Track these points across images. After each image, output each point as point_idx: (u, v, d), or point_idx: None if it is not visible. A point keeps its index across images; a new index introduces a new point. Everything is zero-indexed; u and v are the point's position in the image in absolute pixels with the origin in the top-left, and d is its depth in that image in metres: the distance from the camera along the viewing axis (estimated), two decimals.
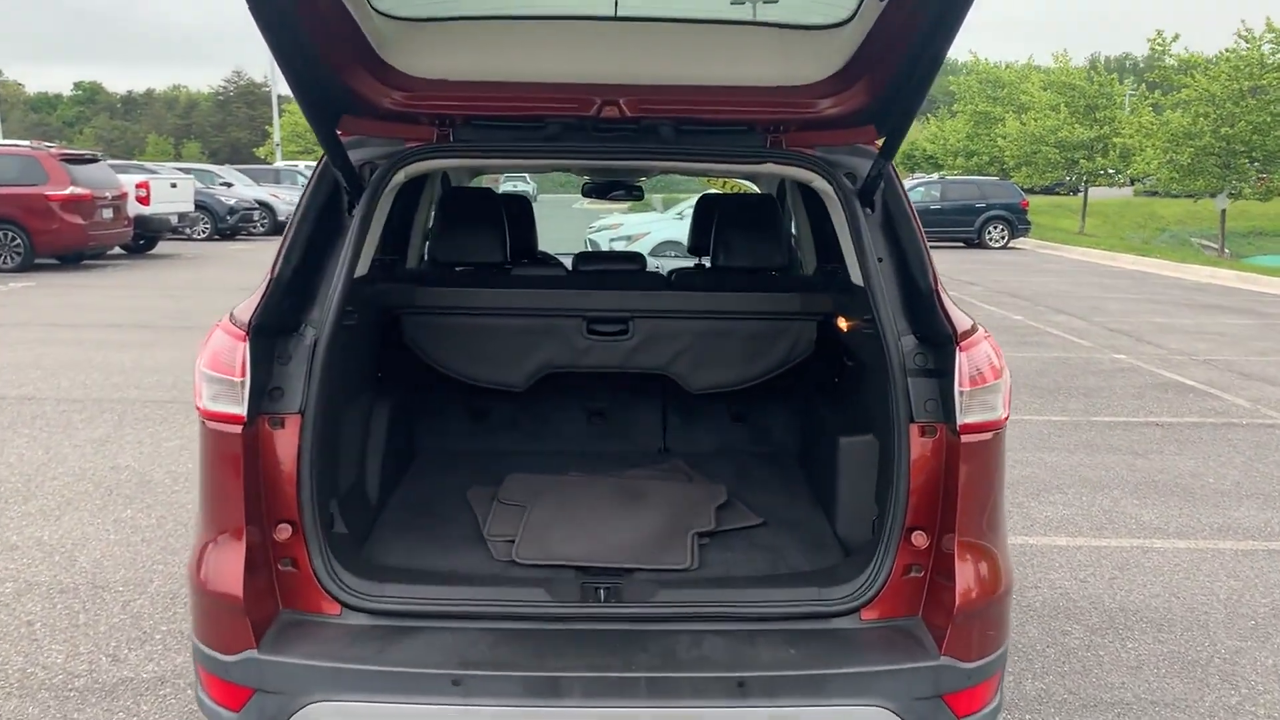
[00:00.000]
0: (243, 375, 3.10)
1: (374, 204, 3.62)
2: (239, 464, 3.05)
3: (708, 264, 6.27)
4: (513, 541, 3.81)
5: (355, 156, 3.77)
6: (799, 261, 5.61)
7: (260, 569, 3.10)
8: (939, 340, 3.31)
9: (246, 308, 3.28)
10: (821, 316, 4.62)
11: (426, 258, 4.78)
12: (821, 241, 6.00)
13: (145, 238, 26.72)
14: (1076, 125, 43.37)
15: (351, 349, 3.85)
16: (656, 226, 20.66)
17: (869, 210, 3.65)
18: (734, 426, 5.06)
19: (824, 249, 6.00)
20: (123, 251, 26.09)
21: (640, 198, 7.45)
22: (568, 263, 6.77)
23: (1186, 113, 33.61)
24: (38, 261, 22.13)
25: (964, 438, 3.16)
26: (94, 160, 24.33)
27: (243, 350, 3.08)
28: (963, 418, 3.18)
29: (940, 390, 3.25)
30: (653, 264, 8.09)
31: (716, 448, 5.06)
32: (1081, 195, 48.09)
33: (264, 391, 3.14)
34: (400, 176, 3.73)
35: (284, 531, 3.16)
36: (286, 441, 3.17)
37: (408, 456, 4.83)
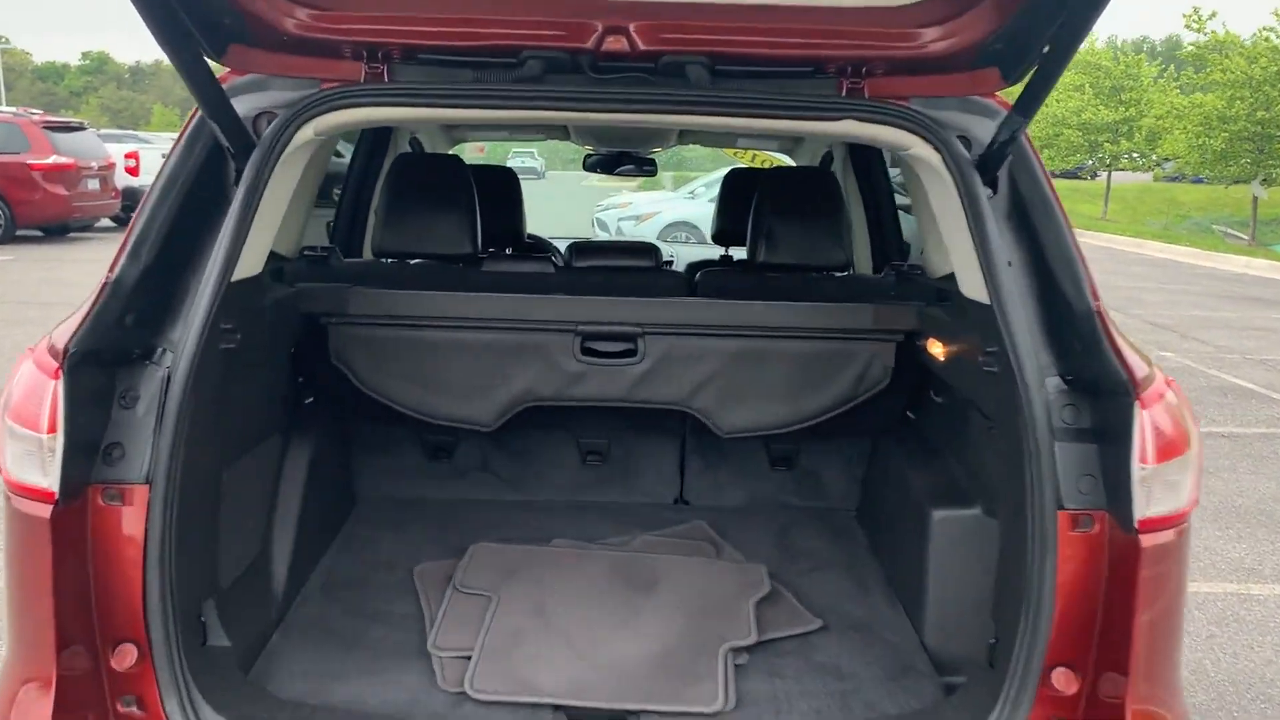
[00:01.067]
0: (51, 429, 2.21)
1: (266, 170, 2.49)
2: (47, 559, 2.19)
3: (736, 256, 5.09)
4: (468, 659, 2.66)
5: (245, 105, 2.66)
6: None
7: (83, 713, 2.23)
8: (1104, 387, 2.32)
9: (69, 327, 2.25)
10: (902, 336, 3.44)
11: (372, 248, 3.60)
12: (879, 232, 4.82)
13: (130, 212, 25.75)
14: (1101, 107, 42.09)
15: (242, 377, 2.70)
16: (666, 206, 19.41)
17: (990, 191, 2.51)
18: (773, 473, 3.89)
19: (881, 243, 4.82)
20: (111, 224, 25.15)
21: (653, 173, 6.23)
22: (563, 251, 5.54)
23: (1221, 95, 32.31)
24: (19, 233, 21.17)
25: (1144, 537, 2.24)
26: (80, 128, 23.32)
27: (53, 391, 2.19)
28: (1145, 509, 2.26)
29: (1103, 462, 2.33)
30: (666, 252, 6.91)
31: (750, 501, 3.89)
32: (1104, 180, 46.88)
33: (94, 450, 2.27)
34: (309, 132, 2.58)
35: (125, 655, 2.28)
36: (130, 523, 2.28)
37: (341, 510, 3.67)
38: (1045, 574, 2.30)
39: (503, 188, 4.70)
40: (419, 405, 3.48)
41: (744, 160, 7.08)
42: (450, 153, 5.65)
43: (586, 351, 3.42)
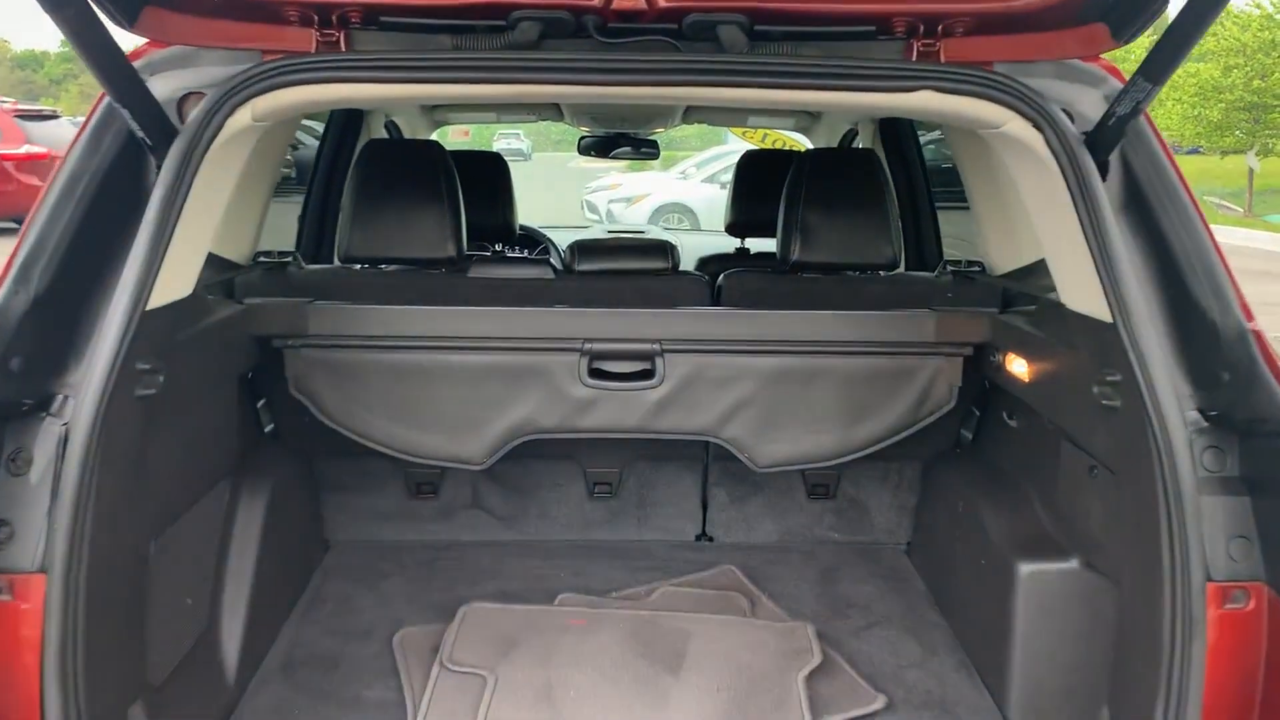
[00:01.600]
0: None
1: (190, 166, 1.97)
2: None
3: (753, 249, 4.56)
4: None
5: (166, 85, 2.14)
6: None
7: None
8: (1264, 427, 1.86)
9: None
10: (971, 349, 2.90)
11: (339, 253, 3.06)
12: (914, 224, 4.27)
13: None
14: None
15: (171, 426, 2.19)
16: (657, 188, 18.78)
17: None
18: (810, 503, 3.36)
19: (918, 236, 4.28)
20: None
21: (655, 155, 5.66)
22: (560, 245, 4.99)
23: (1216, 64, 31.83)
24: None
25: None
26: (54, 117, 22.59)
27: None
28: None
29: (1261, 521, 1.89)
30: (659, 233, 6.34)
31: (783, 536, 3.37)
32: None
33: None
34: (245, 116, 2.05)
35: None
36: (21, 623, 1.81)
37: (309, 560, 3.14)
38: (1191, 661, 1.85)
39: (491, 176, 4.15)
40: (395, 442, 2.93)
41: (754, 140, 6.51)
42: (431, 138, 5.07)
43: (595, 374, 2.88)
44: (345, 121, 4.27)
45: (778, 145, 6.06)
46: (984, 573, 2.66)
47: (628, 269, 3.08)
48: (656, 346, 2.85)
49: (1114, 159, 2.16)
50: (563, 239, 6.08)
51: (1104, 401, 2.06)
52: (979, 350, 2.88)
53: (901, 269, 3.27)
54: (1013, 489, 2.76)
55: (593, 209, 18.93)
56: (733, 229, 4.38)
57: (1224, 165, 40.64)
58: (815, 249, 3.05)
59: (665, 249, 3.10)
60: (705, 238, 6.33)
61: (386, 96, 2.21)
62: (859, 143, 4.78)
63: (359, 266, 3.08)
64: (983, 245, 3.32)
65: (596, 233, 6.16)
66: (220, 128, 2.04)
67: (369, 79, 2.10)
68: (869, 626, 2.88)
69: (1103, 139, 2.11)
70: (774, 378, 2.88)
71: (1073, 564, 2.42)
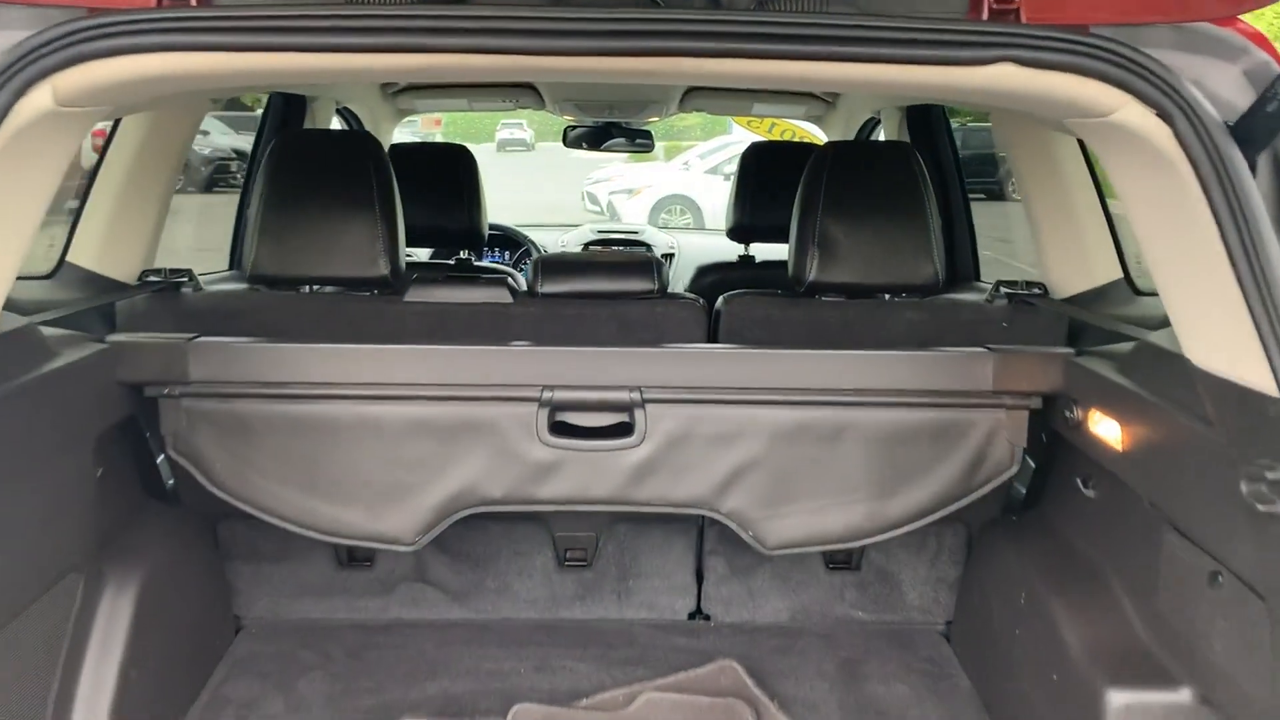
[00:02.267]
0: None
1: None
2: None
3: (759, 257, 3.94)
4: None
5: None
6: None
7: None
8: None
9: None
10: (1039, 400, 2.29)
11: (248, 270, 2.46)
12: (948, 235, 3.63)
13: None
14: None
15: None
16: (658, 179, 18.13)
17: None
18: (828, 575, 2.75)
19: (951, 250, 3.65)
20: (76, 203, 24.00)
21: (649, 147, 5.03)
22: (545, 246, 4.42)
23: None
24: None
25: None
26: None
27: None
28: None
29: None
30: (665, 243, 5.70)
31: (796, 615, 2.76)
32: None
33: None
34: (44, 97, 1.47)
35: None
36: None
37: (209, 651, 2.54)
38: None
39: (454, 172, 3.53)
40: (299, 516, 2.32)
41: (760, 131, 5.88)
42: (393, 129, 4.44)
43: (558, 429, 2.27)
44: (285, 109, 3.66)
45: (786, 137, 5.44)
46: (1056, 690, 2.05)
47: (603, 291, 2.47)
48: (637, 395, 2.24)
49: (1263, 161, 1.56)
50: (549, 239, 5.46)
51: (1259, 506, 1.46)
52: (1049, 401, 2.27)
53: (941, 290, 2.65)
54: (1091, 578, 2.15)
55: (594, 200, 18.33)
56: (736, 233, 3.76)
57: None
58: (838, 266, 2.44)
59: (650, 267, 2.48)
60: (708, 239, 5.67)
61: (254, 71, 1.60)
62: (880, 134, 4.16)
63: (267, 290, 2.48)
64: (1043, 261, 2.71)
65: (584, 234, 5.50)
66: (6, 112, 1.44)
67: (224, 45, 1.50)
68: None
69: (1253, 132, 1.50)
70: (787, 435, 2.26)
71: (1183, 696, 1.82)
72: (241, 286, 2.58)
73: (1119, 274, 2.57)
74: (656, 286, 2.46)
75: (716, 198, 16.15)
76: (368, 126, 4.39)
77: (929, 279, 2.47)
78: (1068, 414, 2.16)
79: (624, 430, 2.27)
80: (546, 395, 2.23)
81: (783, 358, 2.24)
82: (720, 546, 2.75)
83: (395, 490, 2.28)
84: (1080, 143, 2.63)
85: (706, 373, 2.25)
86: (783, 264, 3.85)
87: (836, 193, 2.48)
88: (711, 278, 3.71)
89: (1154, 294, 2.56)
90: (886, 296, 2.52)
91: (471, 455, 2.26)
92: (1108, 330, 2.36)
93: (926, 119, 3.72)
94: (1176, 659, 1.86)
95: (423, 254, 4.81)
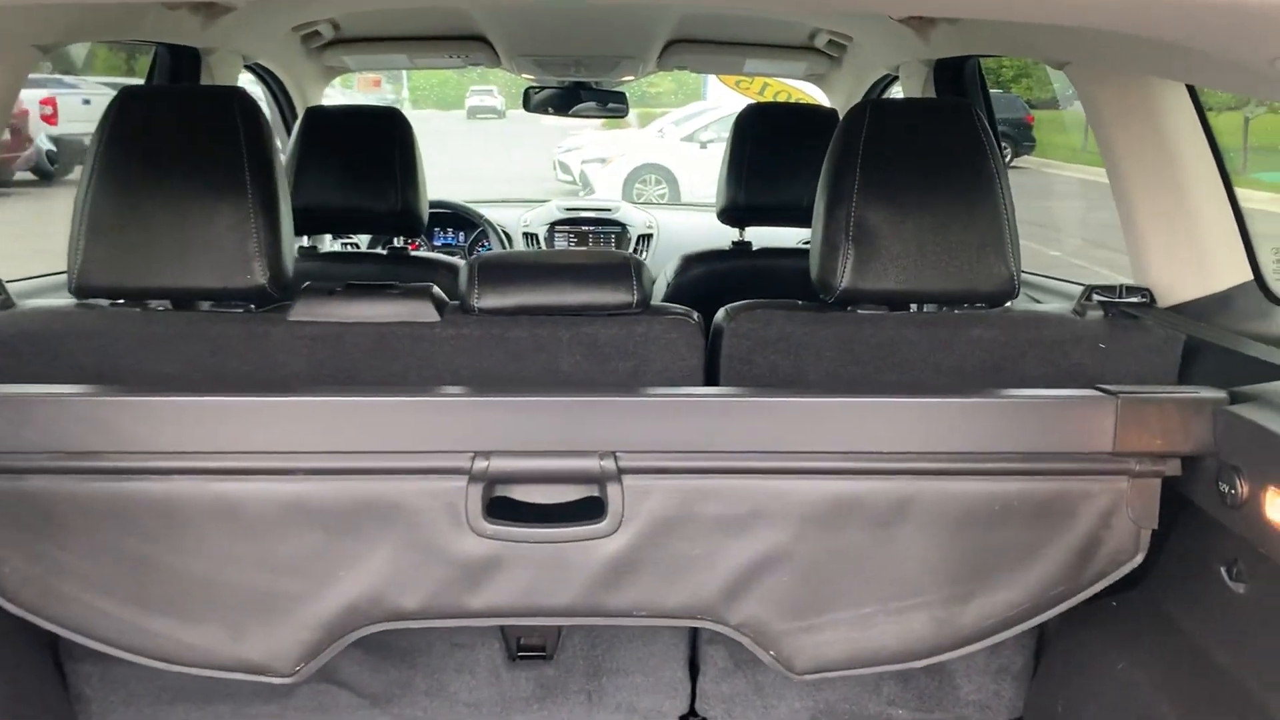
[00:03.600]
0: None
1: None
2: None
3: (758, 243, 3.28)
4: None
5: None
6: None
7: None
8: None
9: None
10: (1179, 461, 1.65)
11: (71, 283, 1.80)
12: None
13: (54, 163, 23.85)
14: None
15: None
16: (632, 147, 17.36)
17: None
18: (883, 684, 2.13)
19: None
20: (33, 177, 23.19)
21: (623, 112, 4.35)
22: (505, 227, 3.81)
23: None
24: None
25: None
26: None
27: None
28: None
29: None
30: (643, 221, 5.01)
31: (820, 715, 2.13)
32: (1079, 109, 45.40)
33: None
34: None
35: None
36: None
37: None
38: None
39: (385, 142, 2.84)
40: (133, 640, 1.66)
41: (751, 94, 5.19)
42: (239, 86, 3.71)
43: (498, 511, 1.61)
44: (174, 65, 2.96)
45: (790, 96, 4.77)
46: None
47: (565, 306, 1.81)
48: (610, 462, 1.59)
49: None
50: (509, 218, 4.77)
51: None
52: (1188, 464, 1.64)
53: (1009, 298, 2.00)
54: (1243, 706, 1.53)
55: (565, 170, 17.58)
56: (729, 215, 3.08)
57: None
58: (881, 268, 1.80)
59: (628, 272, 1.82)
60: (691, 217, 4.97)
61: None
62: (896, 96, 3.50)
63: (105, 303, 1.81)
64: (1142, 259, 2.08)
65: (550, 213, 4.80)
66: None
67: None
68: None
69: None
70: (823, 517, 1.62)
71: None
72: (67, 302, 1.90)
73: (1248, 275, 1.95)
74: (636, 299, 1.80)
75: (693, 168, 15.50)
76: (290, 89, 3.70)
77: (1004, 283, 1.83)
78: (1223, 485, 1.53)
79: (592, 511, 1.62)
80: (480, 464, 1.57)
81: (819, 408, 1.59)
82: (721, 634, 2.11)
83: (266, 603, 1.62)
84: (1195, 103, 2.00)
85: (710, 428, 1.59)
86: (790, 252, 3.20)
87: (878, 167, 1.82)
88: (700, 270, 3.04)
89: None
90: (946, 308, 1.87)
91: (374, 552, 1.60)
92: (1247, 356, 1.73)
93: (959, 77, 3.07)
94: None
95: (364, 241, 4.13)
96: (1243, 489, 1.49)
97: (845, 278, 1.82)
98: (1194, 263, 1.98)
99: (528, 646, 2.12)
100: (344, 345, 1.76)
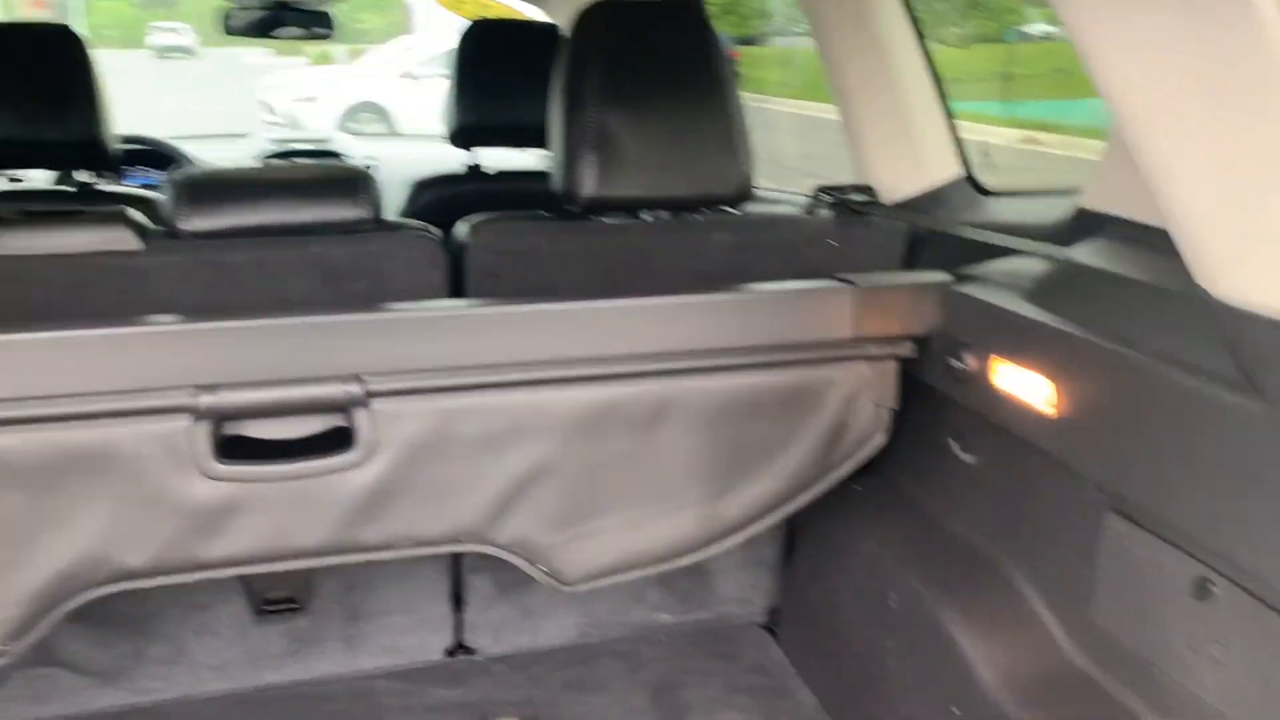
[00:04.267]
0: None
1: None
2: None
3: (487, 166, 3.17)
4: None
5: None
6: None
7: None
8: None
9: None
10: (911, 345, 1.72)
11: None
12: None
13: None
14: None
15: None
16: (344, 84, 16.50)
17: None
18: (647, 590, 2.13)
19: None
20: None
21: (329, 34, 4.06)
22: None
23: None
24: None
25: None
26: None
27: None
28: None
29: None
30: (350, 142, 4.74)
31: (588, 631, 2.12)
32: (782, 44, 47.67)
33: None
34: None
35: None
36: None
37: None
38: None
39: (52, 63, 2.50)
40: None
41: (468, 14, 5.00)
42: None
43: (231, 450, 1.47)
44: None
45: (497, 13, 4.62)
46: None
47: (289, 225, 1.65)
48: (355, 387, 1.48)
49: None
50: (212, 155, 4.38)
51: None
52: (922, 345, 1.72)
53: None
54: (991, 578, 1.65)
55: (271, 109, 16.43)
56: (460, 138, 2.96)
57: None
58: (625, 175, 1.76)
59: (357, 185, 1.69)
60: (413, 148, 4.76)
61: None
62: None
63: None
64: (864, 158, 2.16)
65: (259, 146, 4.44)
66: None
67: None
68: None
69: None
70: (586, 426, 1.58)
71: None
72: None
73: (960, 171, 2.07)
74: (370, 213, 1.68)
75: (408, 102, 14.96)
76: None
77: (740, 185, 1.84)
78: (953, 361, 1.61)
79: (339, 442, 1.50)
80: (206, 400, 1.41)
81: (572, 315, 1.53)
82: (484, 562, 2.05)
83: None
84: (909, 11, 2.08)
85: (461, 344, 1.50)
86: (526, 175, 3.13)
87: (614, 70, 1.78)
88: (435, 194, 2.91)
89: (1008, 194, 2.10)
90: (691, 214, 1.87)
91: (88, 509, 1.42)
92: (965, 241, 1.84)
93: None
94: (1129, 687, 1.39)
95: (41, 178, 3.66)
96: (971, 363, 1.58)
97: (591, 186, 1.77)
98: (911, 162, 2.08)
99: (275, 599, 1.97)
100: (29, 284, 1.53)
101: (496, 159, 3.17)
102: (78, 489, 1.41)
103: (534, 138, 3.16)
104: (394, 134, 13.49)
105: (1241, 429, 1.12)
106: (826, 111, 2.66)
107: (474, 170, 3.03)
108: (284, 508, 1.48)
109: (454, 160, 3.16)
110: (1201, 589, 1.27)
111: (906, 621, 1.71)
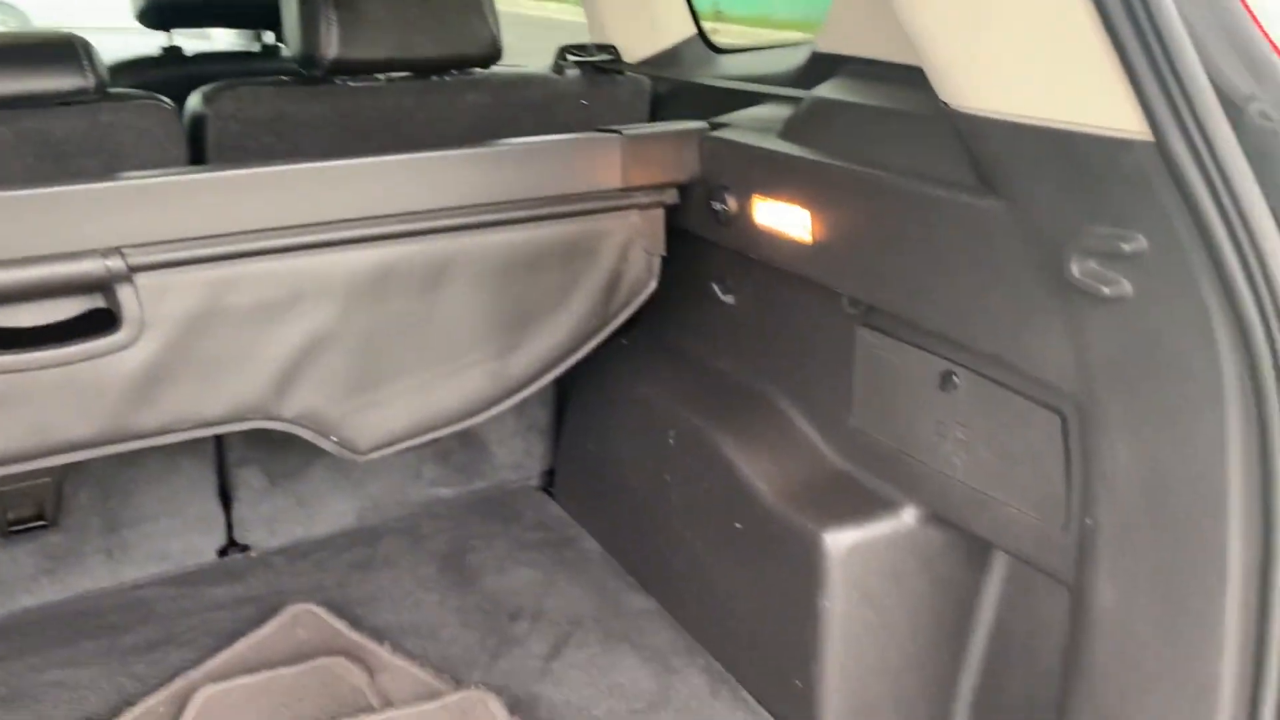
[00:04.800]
0: None
1: None
2: None
3: (188, 49, 2.93)
4: None
5: None
6: None
7: None
8: None
9: None
10: (675, 193, 1.78)
11: None
12: None
13: None
14: None
15: None
16: None
17: None
18: (397, 454, 2.11)
19: None
20: None
21: None
22: None
23: None
24: None
25: None
26: None
27: None
28: None
29: None
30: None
31: (366, 513, 2.10)
32: None
33: None
34: None
35: None
36: None
37: None
38: None
39: None
40: None
41: None
42: None
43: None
44: None
45: None
46: (743, 542, 1.70)
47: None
48: (116, 261, 1.36)
49: None
50: None
51: (1103, 288, 1.11)
52: (684, 192, 1.79)
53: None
54: (757, 404, 1.78)
55: None
56: (151, 16, 2.70)
57: None
58: (369, 36, 1.70)
59: (76, 52, 1.53)
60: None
61: None
62: None
63: None
64: (605, 26, 2.20)
65: None
66: None
67: None
68: (557, 648, 1.80)
69: None
70: (368, 288, 1.54)
71: (906, 518, 1.54)
72: None
73: (693, 30, 2.15)
74: (93, 81, 1.52)
75: None
76: None
77: (489, 45, 1.83)
78: (715, 205, 1.71)
79: (102, 323, 1.38)
80: None
81: (337, 173, 1.48)
82: (253, 452, 1.97)
83: None
84: None
85: (226, 209, 1.42)
86: (235, 56, 2.92)
87: None
88: (130, 80, 2.66)
89: (739, 50, 2.20)
90: (439, 77, 1.83)
91: None
92: (721, 94, 1.93)
93: None
94: (891, 481, 1.57)
95: None
96: (731, 204, 1.68)
97: (333, 48, 1.70)
98: (647, 23, 2.14)
99: (20, 519, 1.81)
100: None
101: (196, 43, 2.94)
102: None
103: (235, 16, 2.94)
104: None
105: (982, 228, 1.28)
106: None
107: (172, 52, 2.78)
108: (47, 398, 1.36)
109: (137, 47, 2.89)
110: (946, 381, 1.45)
111: (686, 455, 1.83)
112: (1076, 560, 1.27)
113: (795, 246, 1.59)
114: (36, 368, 1.35)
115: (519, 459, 2.27)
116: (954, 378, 1.43)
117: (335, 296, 1.52)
